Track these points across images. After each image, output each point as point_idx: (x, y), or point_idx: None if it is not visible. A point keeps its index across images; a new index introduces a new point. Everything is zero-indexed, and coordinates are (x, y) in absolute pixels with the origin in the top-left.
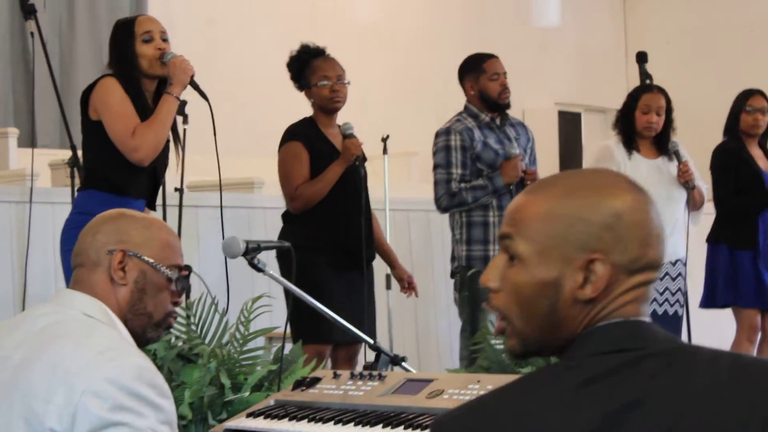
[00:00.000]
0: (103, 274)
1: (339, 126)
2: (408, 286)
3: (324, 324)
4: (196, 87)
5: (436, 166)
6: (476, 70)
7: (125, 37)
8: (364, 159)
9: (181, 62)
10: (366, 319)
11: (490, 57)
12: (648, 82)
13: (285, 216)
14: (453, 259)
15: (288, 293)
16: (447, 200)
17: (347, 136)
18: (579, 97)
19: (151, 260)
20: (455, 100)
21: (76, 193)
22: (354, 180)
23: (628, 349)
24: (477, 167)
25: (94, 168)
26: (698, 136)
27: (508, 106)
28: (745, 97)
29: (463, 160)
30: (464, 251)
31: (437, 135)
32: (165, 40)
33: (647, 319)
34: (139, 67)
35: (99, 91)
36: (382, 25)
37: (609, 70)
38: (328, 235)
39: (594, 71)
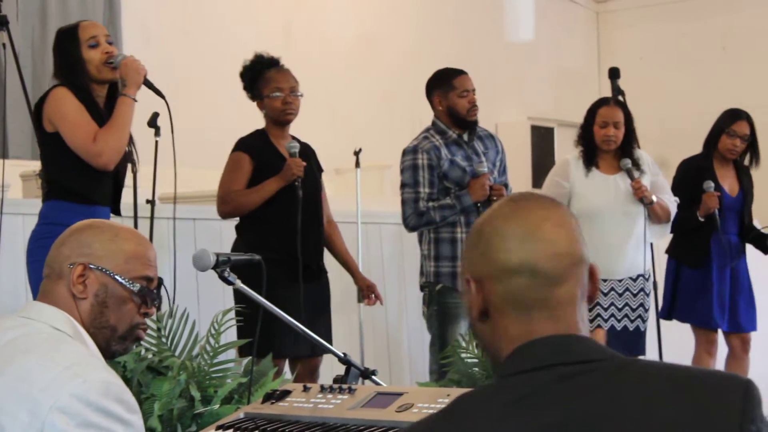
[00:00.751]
0: (66, 287)
1: (286, 144)
2: (370, 295)
3: (277, 338)
4: (150, 86)
5: (403, 185)
6: (445, 85)
7: (70, 44)
8: (309, 178)
9: (132, 62)
10: (323, 330)
11: (460, 73)
12: (620, 98)
13: (236, 227)
14: (421, 274)
15: (249, 306)
16: (415, 219)
17: (291, 155)
18: (552, 111)
19: (113, 272)
20: (427, 114)
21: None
22: (308, 192)
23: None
24: (444, 185)
25: (56, 179)
26: (671, 150)
27: (475, 123)
28: (731, 119)
29: (430, 179)
30: (432, 267)
31: (404, 153)
32: (111, 44)
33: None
34: (88, 73)
35: (52, 102)
36: (356, 40)
37: (582, 86)
38: (280, 245)
39: (567, 86)
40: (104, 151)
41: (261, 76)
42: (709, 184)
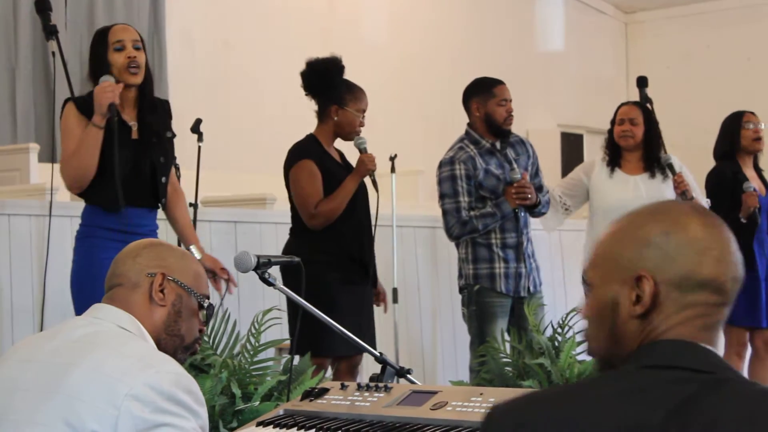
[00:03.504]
0: (143, 295)
1: (354, 140)
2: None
3: (324, 337)
4: (113, 113)
5: (443, 196)
6: (485, 93)
7: (99, 46)
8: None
9: (100, 89)
10: (371, 330)
11: (499, 83)
12: (648, 105)
13: (292, 230)
14: (460, 276)
15: (294, 306)
16: (459, 229)
17: (362, 151)
18: (581, 119)
19: (188, 287)
20: (459, 121)
21: None
22: (360, 194)
23: (673, 367)
24: (480, 194)
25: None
26: (696, 157)
27: (509, 132)
28: (739, 116)
29: (468, 188)
30: (471, 270)
31: (441, 165)
32: (138, 49)
33: (705, 344)
34: (113, 76)
35: (62, 117)
36: (391, 47)
37: (610, 94)
38: (338, 248)
39: (596, 94)
40: (65, 176)
41: (345, 85)
42: (749, 185)
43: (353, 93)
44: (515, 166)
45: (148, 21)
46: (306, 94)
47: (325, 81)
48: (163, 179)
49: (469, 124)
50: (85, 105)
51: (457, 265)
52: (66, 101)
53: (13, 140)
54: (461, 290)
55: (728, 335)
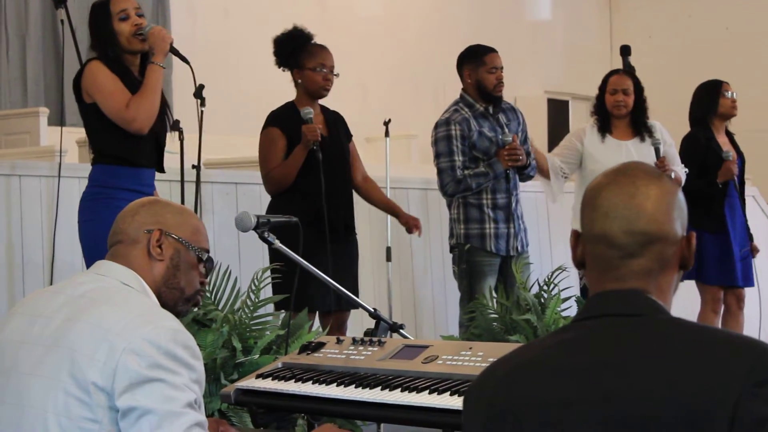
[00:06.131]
0: (142, 251)
1: (301, 110)
2: (413, 228)
3: (308, 294)
4: (176, 53)
5: (439, 155)
6: (476, 61)
7: (102, 17)
8: (336, 144)
9: (158, 32)
10: (349, 287)
11: (491, 51)
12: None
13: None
14: (451, 235)
15: (290, 264)
16: (453, 186)
17: (306, 122)
18: (567, 86)
19: (186, 241)
20: (450, 87)
21: None
22: (334, 158)
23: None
24: (473, 155)
25: (100, 147)
26: (676, 123)
27: (500, 98)
28: (717, 84)
29: (462, 148)
30: (462, 229)
31: (437, 126)
32: (140, 16)
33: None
34: (120, 45)
35: (87, 76)
36: (385, 18)
37: (595, 62)
38: (309, 208)
39: (581, 62)
40: (137, 117)
41: (303, 48)
42: (728, 153)
43: (309, 51)
44: (506, 130)
45: None
46: (282, 69)
47: (287, 51)
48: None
49: (463, 89)
50: (109, 62)
51: (448, 225)
52: (88, 61)
53: (23, 104)
54: (452, 249)
55: (703, 294)
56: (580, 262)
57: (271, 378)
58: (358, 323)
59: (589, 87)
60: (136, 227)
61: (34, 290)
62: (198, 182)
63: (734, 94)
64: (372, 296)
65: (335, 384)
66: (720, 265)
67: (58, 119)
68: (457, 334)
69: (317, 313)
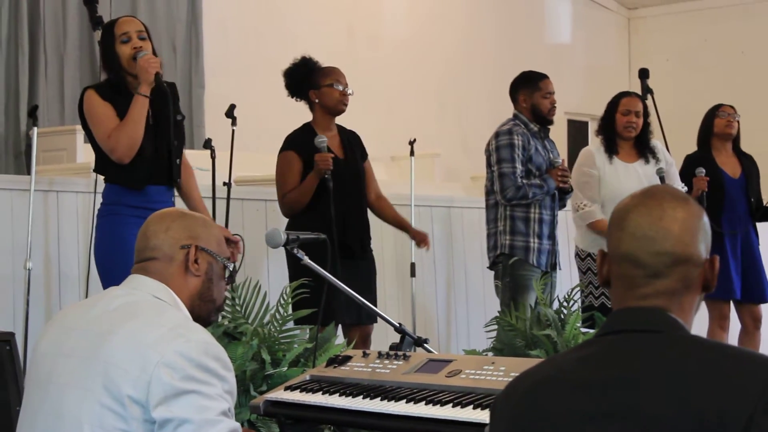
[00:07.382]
0: (179, 267)
1: (315, 138)
2: (422, 241)
3: (331, 307)
4: (159, 82)
5: (501, 161)
6: (532, 86)
7: (107, 39)
8: (351, 166)
9: (144, 62)
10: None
11: (545, 77)
12: (649, 95)
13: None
14: (494, 248)
15: (319, 279)
16: (513, 191)
17: (318, 150)
18: (586, 107)
19: (216, 253)
20: (473, 109)
21: None
22: (350, 181)
23: (615, 332)
24: (528, 168)
25: (106, 168)
26: (691, 145)
27: (552, 122)
28: (716, 107)
29: (522, 158)
30: (507, 240)
31: (499, 135)
32: (143, 39)
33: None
34: (122, 67)
35: (83, 105)
36: (412, 40)
37: (614, 84)
38: (324, 230)
39: (600, 84)
40: (117, 147)
41: (317, 70)
42: (700, 170)
43: (322, 71)
44: (557, 152)
45: (186, 12)
46: (297, 100)
47: (300, 77)
48: (177, 161)
49: (516, 111)
50: (103, 90)
51: (488, 239)
52: (85, 90)
53: (61, 122)
54: (494, 263)
55: (710, 310)
56: (605, 281)
57: (299, 390)
58: (383, 337)
59: None
60: (171, 243)
61: (70, 303)
62: (228, 199)
63: (734, 115)
64: (397, 311)
65: (361, 396)
66: (718, 278)
67: None
68: (480, 348)
69: (339, 326)
